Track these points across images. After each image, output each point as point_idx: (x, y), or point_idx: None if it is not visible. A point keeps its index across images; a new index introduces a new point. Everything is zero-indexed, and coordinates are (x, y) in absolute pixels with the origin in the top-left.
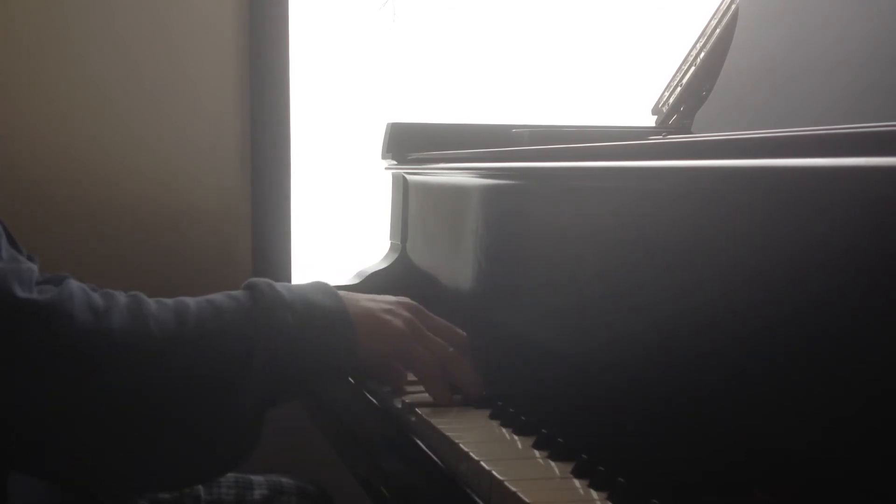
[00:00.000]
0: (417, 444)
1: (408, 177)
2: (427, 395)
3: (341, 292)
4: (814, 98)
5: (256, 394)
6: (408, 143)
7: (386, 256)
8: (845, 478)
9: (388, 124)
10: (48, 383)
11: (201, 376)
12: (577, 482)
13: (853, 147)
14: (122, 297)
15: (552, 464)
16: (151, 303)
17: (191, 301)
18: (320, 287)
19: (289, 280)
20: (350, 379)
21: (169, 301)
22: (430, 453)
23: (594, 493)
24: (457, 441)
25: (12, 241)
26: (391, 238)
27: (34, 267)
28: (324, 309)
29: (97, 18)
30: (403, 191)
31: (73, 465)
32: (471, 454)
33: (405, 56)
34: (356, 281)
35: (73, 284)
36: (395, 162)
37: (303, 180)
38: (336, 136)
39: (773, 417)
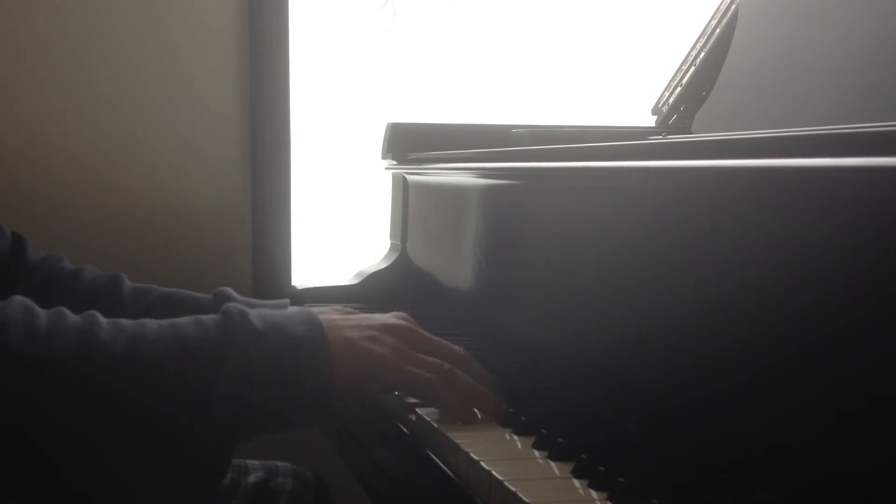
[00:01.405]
0: (416, 443)
1: (408, 177)
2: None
3: (326, 319)
4: (814, 98)
5: (217, 429)
6: (408, 143)
7: (386, 256)
8: (846, 478)
9: (388, 124)
10: None
11: (153, 409)
12: (577, 482)
13: (853, 147)
14: (70, 320)
15: (552, 464)
16: (104, 325)
17: (153, 325)
18: (301, 315)
19: (289, 280)
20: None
21: (128, 324)
22: (429, 453)
23: (594, 493)
24: (457, 441)
25: None
26: (391, 238)
27: None
28: (299, 338)
29: (97, 18)
30: (403, 191)
31: (23, 495)
32: (471, 454)
33: (405, 56)
34: (356, 281)
35: (16, 305)
36: (395, 162)
37: (303, 180)
38: (336, 136)
39: (774, 417)
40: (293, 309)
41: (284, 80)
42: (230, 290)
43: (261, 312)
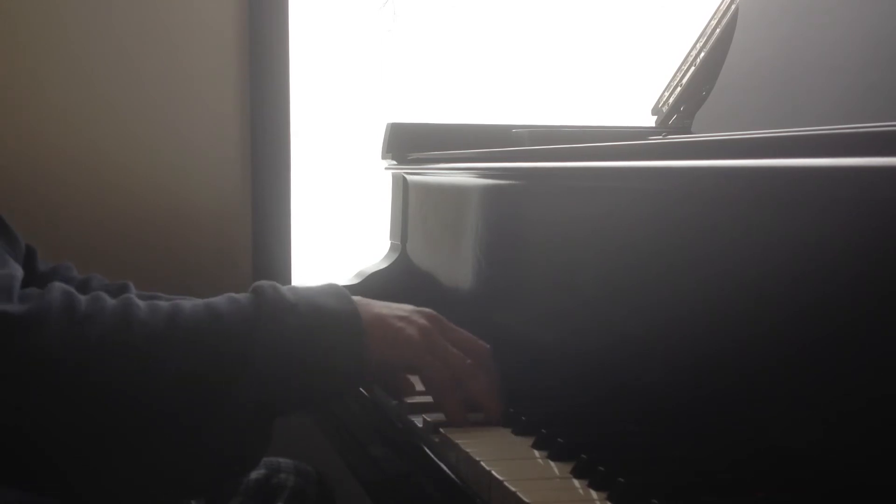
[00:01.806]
0: (416, 443)
1: (408, 177)
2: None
3: (355, 297)
4: (814, 98)
5: (255, 397)
6: (408, 143)
7: (386, 256)
8: (846, 478)
9: (388, 124)
10: (28, 397)
11: (193, 379)
12: (576, 482)
13: (853, 147)
14: (108, 302)
15: (552, 464)
16: (141, 306)
17: (187, 303)
18: (331, 289)
19: (289, 280)
20: (361, 389)
21: (164, 304)
22: (429, 453)
23: (594, 493)
24: (457, 441)
25: (6, 230)
26: (391, 238)
27: (14, 273)
28: (332, 312)
29: (97, 18)
30: (403, 191)
31: (67, 477)
32: (471, 454)
33: (405, 56)
34: (356, 281)
35: (56, 290)
36: (395, 162)
37: (303, 181)
38: (336, 136)
39: (774, 417)
40: (325, 284)
41: (284, 80)
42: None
43: (292, 288)
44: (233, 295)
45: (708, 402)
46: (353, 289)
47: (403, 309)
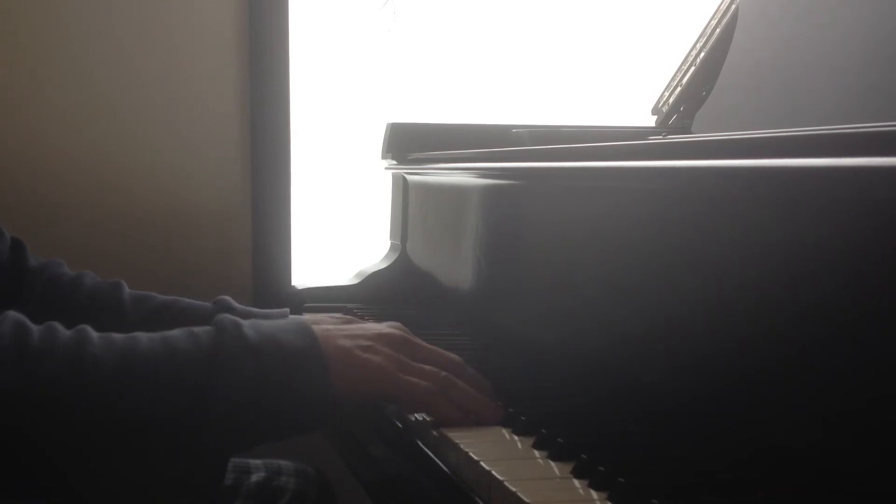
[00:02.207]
0: (417, 443)
1: (408, 177)
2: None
3: (318, 328)
4: (814, 98)
5: (211, 438)
6: (408, 143)
7: (386, 256)
8: (846, 478)
9: (388, 124)
10: None
11: (146, 419)
12: (577, 482)
13: (853, 147)
14: (61, 338)
15: (552, 464)
16: (96, 341)
17: (144, 339)
18: (295, 325)
19: (288, 280)
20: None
21: (119, 338)
22: (429, 453)
23: (594, 493)
24: (456, 441)
25: None
26: (391, 238)
27: None
28: (294, 350)
29: (97, 18)
30: (403, 191)
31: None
32: (470, 454)
33: (405, 56)
34: (356, 281)
35: (8, 323)
36: (395, 162)
37: (303, 181)
38: (336, 136)
39: (774, 417)
40: (288, 319)
41: (284, 80)
42: (230, 300)
43: (255, 323)
44: (193, 330)
45: (708, 402)
46: (353, 289)
47: (367, 335)
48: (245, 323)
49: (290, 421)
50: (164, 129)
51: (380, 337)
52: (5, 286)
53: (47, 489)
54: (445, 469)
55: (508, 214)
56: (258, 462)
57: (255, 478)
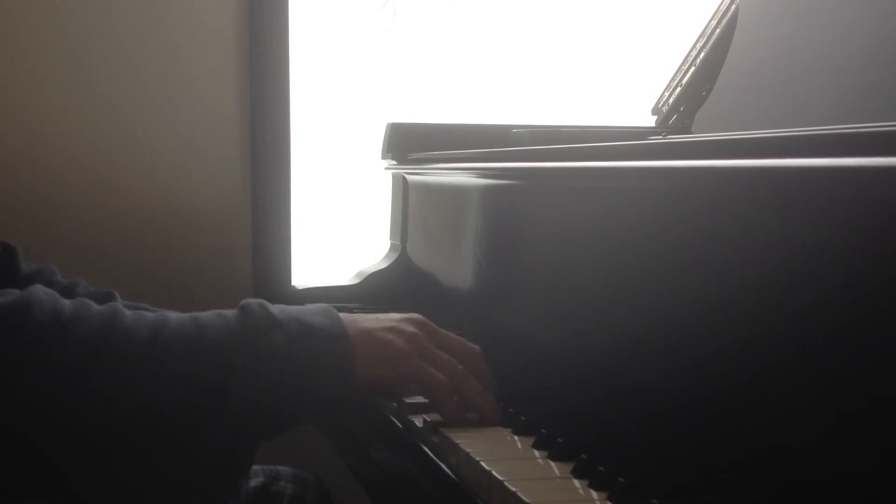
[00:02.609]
0: (416, 443)
1: (408, 177)
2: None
3: (343, 314)
4: (814, 98)
5: (238, 416)
6: (408, 143)
7: (386, 256)
8: (846, 478)
9: (388, 124)
10: (14, 392)
11: (178, 388)
12: (577, 482)
13: (853, 147)
14: (94, 308)
15: (552, 464)
16: (128, 315)
17: (173, 315)
18: (319, 308)
19: (288, 280)
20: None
21: (149, 315)
22: (429, 453)
23: (594, 493)
24: (457, 441)
25: None
26: (391, 238)
27: None
28: (318, 328)
29: (97, 18)
30: (403, 191)
31: (40, 479)
32: (471, 454)
33: (405, 56)
34: (356, 281)
35: (39, 290)
36: (395, 162)
37: (303, 181)
38: (336, 136)
39: (774, 417)
40: (311, 304)
41: (284, 80)
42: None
43: (279, 306)
44: (220, 311)
45: (708, 402)
46: (353, 289)
47: (391, 319)
48: (271, 305)
49: (313, 401)
50: (164, 129)
51: (403, 320)
52: None
53: (72, 478)
54: (445, 469)
55: (508, 214)
56: (257, 468)
57: (253, 483)
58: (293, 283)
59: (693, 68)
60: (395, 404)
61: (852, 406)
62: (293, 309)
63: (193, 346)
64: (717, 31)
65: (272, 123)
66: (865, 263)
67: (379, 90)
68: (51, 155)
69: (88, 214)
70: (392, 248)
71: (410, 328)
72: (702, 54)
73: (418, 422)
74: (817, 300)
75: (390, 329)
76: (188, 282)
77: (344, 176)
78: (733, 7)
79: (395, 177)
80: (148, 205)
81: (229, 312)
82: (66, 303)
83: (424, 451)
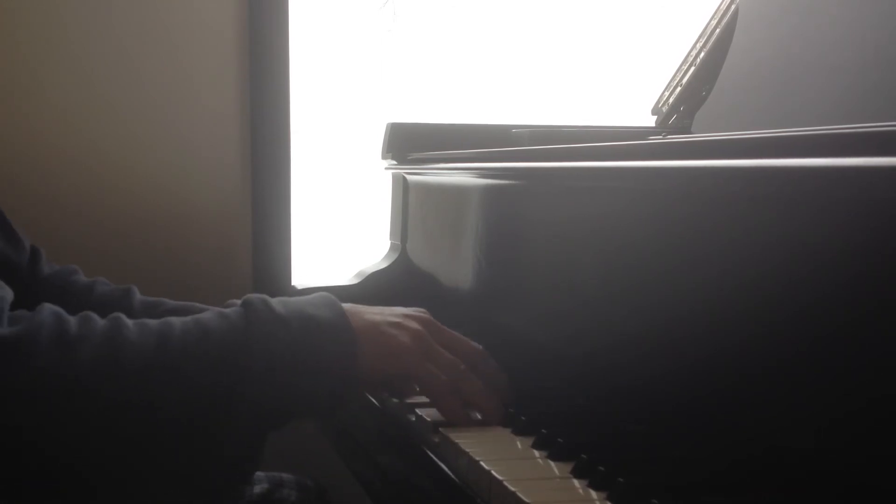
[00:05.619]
0: (416, 443)
1: (408, 177)
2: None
3: (346, 305)
4: (814, 98)
5: (247, 415)
6: (408, 143)
7: (386, 256)
8: (846, 477)
9: (388, 124)
10: (22, 419)
11: (187, 398)
12: (576, 482)
13: (853, 147)
14: (98, 324)
15: (552, 464)
16: (131, 327)
17: (177, 322)
18: (322, 300)
19: (289, 280)
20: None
21: (153, 323)
22: (429, 453)
23: (594, 493)
24: (457, 441)
25: (9, 233)
26: (391, 238)
27: (4, 295)
28: (323, 323)
29: (97, 19)
30: (403, 191)
31: (55, 500)
32: (470, 454)
33: (405, 56)
34: (356, 281)
35: (45, 312)
36: (395, 162)
37: (303, 181)
38: (336, 136)
39: (773, 417)
40: (315, 294)
41: (284, 80)
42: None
43: (282, 300)
44: (222, 311)
45: (708, 402)
46: (353, 289)
47: (395, 314)
48: (273, 300)
49: (318, 396)
50: (164, 129)
51: (407, 317)
52: (21, 292)
53: (84, 479)
54: (445, 469)
55: (508, 214)
56: (261, 474)
57: (257, 489)
58: (293, 283)
59: (693, 68)
60: (395, 400)
61: (852, 406)
62: (296, 302)
63: (200, 352)
64: (717, 31)
65: (272, 123)
66: (865, 263)
67: (379, 90)
68: (51, 155)
69: (88, 214)
70: (392, 248)
71: (415, 325)
72: (702, 54)
73: (418, 421)
74: (817, 300)
75: (395, 324)
76: (188, 282)
77: (344, 176)
78: (733, 7)
79: (395, 177)
80: (148, 205)
81: (232, 312)
82: (71, 322)
83: (423, 451)
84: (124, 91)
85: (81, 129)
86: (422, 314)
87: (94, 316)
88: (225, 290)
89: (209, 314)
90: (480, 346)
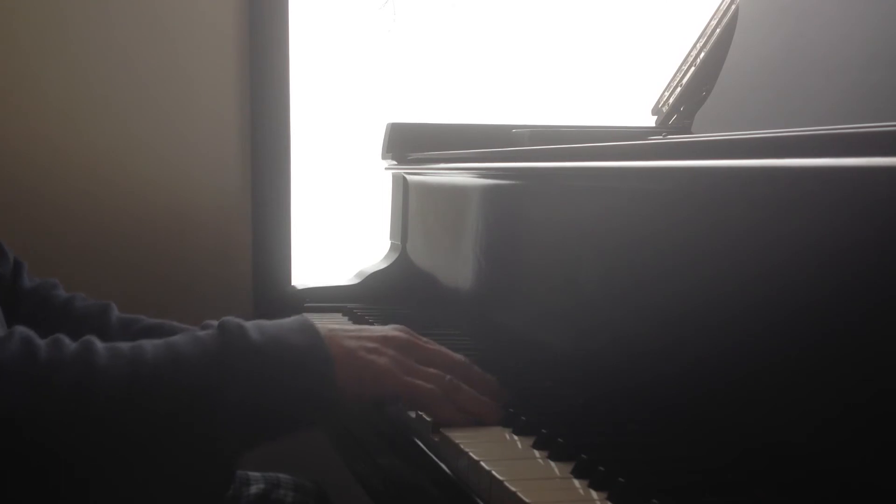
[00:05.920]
0: (416, 443)
1: (408, 177)
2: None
3: (324, 328)
4: (814, 98)
5: (220, 441)
6: (408, 143)
7: (386, 256)
8: (845, 477)
9: (388, 124)
10: None
11: (156, 427)
12: (577, 482)
13: (853, 147)
14: (69, 349)
15: (552, 464)
16: (102, 352)
17: (149, 346)
18: (299, 325)
19: (288, 280)
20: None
21: (124, 347)
22: (429, 453)
23: (594, 493)
24: (457, 441)
25: None
26: (391, 238)
27: None
28: (299, 349)
29: (97, 19)
30: (403, 191)
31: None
32: (470, 454)
33: (405, 56)
34: (356, 281)
35: (17, 337)
36: (395, 162)
37: (303, 181)
38: (336, 136)
39: (773, 417)
40: (292, 318)
41: (284, 80)
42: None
43: (258, 324)
44: (197, 335)
45: (708, 401)
46: (353, 289)
47: (374, 336)
48: (249, 324)
49: (293, 419)
50: (164, 129)
51: (385, 339)
52: (2, 306)
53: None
54: (445, 469)
55: (508, 214)
56: (257, 474)
57: (254, 489)
58: (293, 283)
59: (693, 68)
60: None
61: (852, 405)
62: (273, 327)
63: (173, 380)
64: (717, 31)
65: (272, 123)
66: (865, 263)
67: (379, 90)
68: (51, 154)
69: (88, 214)
70: (392, 248)
71: (392, 350)
72: (702, 54)
73: (418, 421)
74: (817, 300)
75: (373, 350)
76: (188, 282)
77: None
78: (733, 7)
79: (395, 177)
80: (148, 205)
81: (207, 336)
82: (41, 347)
83: (423, 451)
84: (124, 91)
85: (81, 129)
86: (400, 333)
87: (65, 340)
88: (225, 291)
89: (184, 338)
90: (462, 357)
